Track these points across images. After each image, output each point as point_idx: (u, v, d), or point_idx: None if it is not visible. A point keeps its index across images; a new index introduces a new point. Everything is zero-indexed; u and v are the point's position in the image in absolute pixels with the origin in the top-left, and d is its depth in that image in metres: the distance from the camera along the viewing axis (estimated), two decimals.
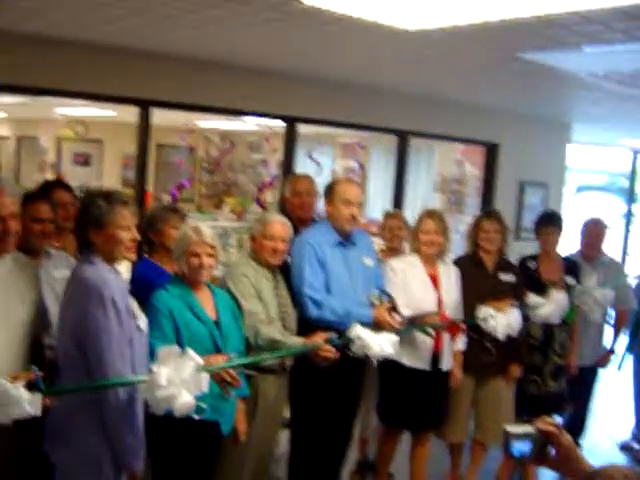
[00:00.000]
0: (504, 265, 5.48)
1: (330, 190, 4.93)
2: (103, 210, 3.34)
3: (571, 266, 5.87)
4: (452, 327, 4.99)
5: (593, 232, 6.23)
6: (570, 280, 5.76)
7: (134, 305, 3.43)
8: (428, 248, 5.07)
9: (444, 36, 4.39)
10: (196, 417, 3.55)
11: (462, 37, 4.41)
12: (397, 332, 4.56)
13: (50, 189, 4.72)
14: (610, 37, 4.11)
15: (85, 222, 3.38)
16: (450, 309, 5.05)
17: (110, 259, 3.38)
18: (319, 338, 4.28)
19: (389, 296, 4.82)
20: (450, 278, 5.17)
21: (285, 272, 4.73)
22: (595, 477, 1.74)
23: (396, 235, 5.84)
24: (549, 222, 5.86)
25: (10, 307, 3.34)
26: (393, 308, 4.78)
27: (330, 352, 4.26)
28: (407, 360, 4.98)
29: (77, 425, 3.26)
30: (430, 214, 5.20)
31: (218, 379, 3.65)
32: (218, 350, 3.86)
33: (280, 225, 4.55)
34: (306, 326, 4.60)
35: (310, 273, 4.68)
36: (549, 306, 5.38)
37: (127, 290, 3.46)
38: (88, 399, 3.22)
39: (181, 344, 3.72)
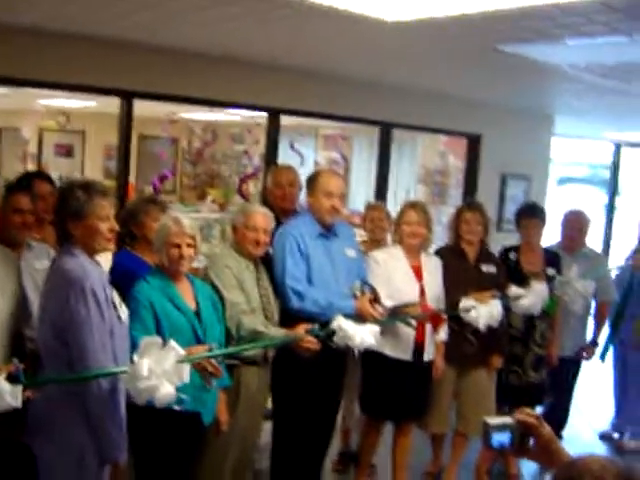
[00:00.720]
0: (485, 256, 5.50)
1: (312, 181, 4.93)
2: (82, 201, 3.33)
3: (552, 257, 5.90)
4: (434, 318, 5.02)
5: (574, 224, 6.25)
6: (551, 271, 5.79)
7: (115, 296, 3.43)
8: (411, 240, 5.09)
9: (424, 27, 4.38)
10: (177, 408, 3.55)
11: (442, 28, 4.41)
12: (379, 323, 4.57)
13: (30, 180, 4.70)
14: (591, 30, 4.12)
15: (64, 213, 3.37)
16: (432, 300, 5.07)
17: (90, 250, 3.37)
18: (301, 329, 4.29)
19: (371, 287, 4.83)
20: (432, 269, 5.19)
21: (267, 263, 4.74)
22: (573, 467, 1.75)
23: (378, 227, 5.85)
24: (530, 214, 5.88)
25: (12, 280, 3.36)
26: (375, 299, 4.79)
27: (312, 343, 4.27)
28: (389, 351, 4.99)
29: (59, 417, 3.26)
30: (413, 205, 5.22)
31: (200, 369, 3.66)
32: (199, 340, 3.87)
33: (262, 216, 4.55)
34: (288, 317, 4.61)
35: (292, 264, 4.68)
36: (530, 297, 5.40)
37: (108, 281, 3.46)
38: (70, 390, 3.22)
39: (162, 335, 3.72)
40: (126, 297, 3.72)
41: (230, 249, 4.64)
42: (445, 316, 5.10)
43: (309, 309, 4.62)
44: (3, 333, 3.38)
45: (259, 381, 4.57)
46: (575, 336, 6.26)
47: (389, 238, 5.80)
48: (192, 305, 4.00)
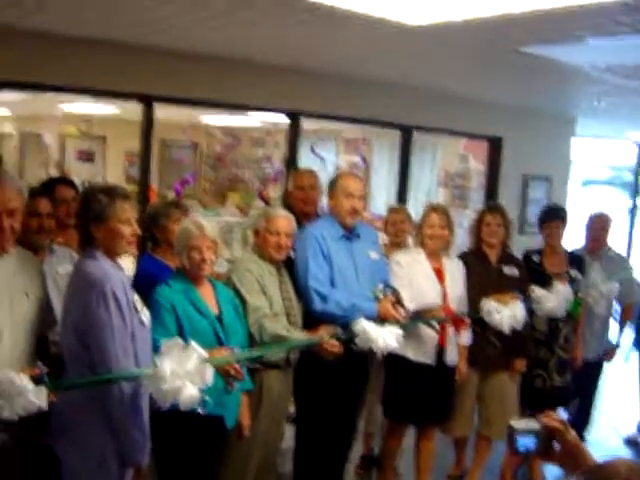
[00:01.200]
0: (507, 259, 5.48)
1: (332, 184, 4.95)
2: (104, 204, 3.35)
3: (576, 260, 5.87)
4: (456, 321, 5.00)
5: (598, 226, 6.23)
6: (574, 273, 5.77)
7: (137, 299, 3.44)
8: (433, 242, 5.08)
9: (444, 31, 4.39)
10: (200, 411, 3.56)
11: (463, 31, 4.40)
12: (402, 326, 4.56)
13: (53, 185, 4.72)
14: (613, 30, 4.10)
15: (86, 217, 3.39)
16: (454, 303, 5.06)
17: (112, 253, 3.39)
18: (324, 332, 4.28)
19: (393, 290, 4.82)
20: (455, 272, 5.18)
21: (289, 267, 4.74)
22: (600, 470, 1.73)
23: (400, 230, 5.83)
24: (553, 216, 5.86)
25: (15, 304, 3.35)
26: (397, 301, 4.77)
27: (335, 347, 4.28)
28: (412, 354, 4.99)
29: (81, 420, 3.27)
30: (435, 208, 5.21)
31: (222, 372, 3.67)
32: (221, 344, 3.88)
33: (284, 220, 4.55)
34: (311, 320, 4.61)
35: (314, 266, 4.68)
36: (553, 298, 5.38)
37: (130, 284, 3.47)
38: (92, 394, 3.23)
39: (184, 338, 3.74)
40: (148, 301, 3.74)
41: (252, 253, 4.65)
42: (467, 319, 5.08)
43: (332, 311, 4.60)
44: (28, 337, 3.39)
45: (281, 385, 4.57)
46: (598, 339, 6.23)
47: (410, 241, 5.79)
48: (214, 309, 4.01)
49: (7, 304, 3.29)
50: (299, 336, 4.35)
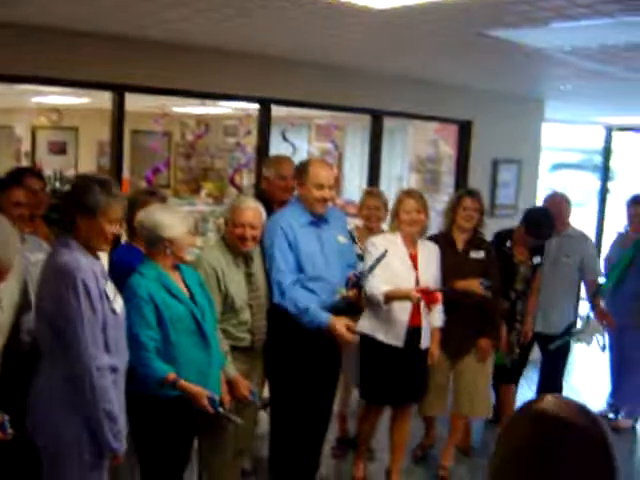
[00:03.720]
0: (477, 243, 5.57)
1: (301, 172, 4.97)
2: (98, 200, 3.38)
3: (536, 246, 6.00)
4: (430, 295, 4.98)
5: (554, 205, 6.33)
6: (537, 259, 5.95)
7: (109, 288, 3.48)
8: (410, 227, 5.10)
9: (410, 14, 4.41)
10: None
11: (427, 14, 4.43)
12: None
13: (21, 176, 4.75)
14: (574, 12, 4.15)
15: (75, 206, 3.41)
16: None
17: (88, 246, 3.43)
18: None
19: (357, 277, 4.88)
20: (428, 257, 5.22)
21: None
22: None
23: (374, 215, 5.83)
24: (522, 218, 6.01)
25: (13, 291, 3.42)
26: (359, 290, 4.89)
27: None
28: (382, 336, 5.05)
29: (55, 411, 3.34)
30: (409, 193, 5.25)
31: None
32: (199, 325, 3.96)
33: (250, 211, 4.57)
34: (276, 312, 4.78)
35: (280, 258, 4.75)
36: (588, 333, 6.11)
37: (103, 273, 3.50)
38: (65, 386, 3.30)
39: (163, 326, 3.81)
40: (126, 291, 3.80)
41: (221, 243, 4.69)
42: (439, 294, 5.08)
43: (287, 307, 4.72)
44: (8, 323, 3.45)
45: (245, 366, 4.63)
46: (560, 313, 6.38)
47: (384, 226, 5.84)
48: (185, 292, 4.06)
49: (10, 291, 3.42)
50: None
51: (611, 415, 7.01)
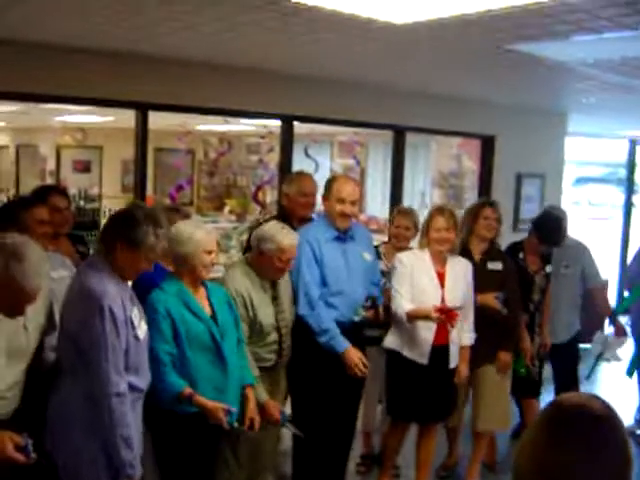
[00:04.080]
0: (495, 254, 5.55)
1: (327, 187, 5.03)
2: (146, 239, 3.39)
3: (546, 255, 6.01)
4: (447, 313, 4.90)
5: None
6: (549, 268, 5.99)
7: (135, 313, 3.48)
8: (439, 245, 5.04)
9: (431, 29, 4.42)
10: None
11: (448, 29, 4.43)
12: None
13: (46, 194, 4.78)
14: (596, 25, 4.14)
15: (121, 235, 3.42)
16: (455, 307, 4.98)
17: (118, 274, 3.43)
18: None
19: (373, 300, 4.93)
20: (457, 275, 5.13)
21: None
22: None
23: (403, 235, 5.77)
24: (532, 230, 6.02)
25: (39, 313, 3.45)
26: (376, 310, 4.95)
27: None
28: (407, 353, 5.03)
29: (76, 427, 3.36)
30: (441, 210, 5.14)
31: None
32: (217, 345, 3.95)
33: (294, 247, 4.54)
34: (300, 328, 4.79)
35: (306, 271, 4.79)
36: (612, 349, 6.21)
37: (130, 297, 3.51)
38: (87, 404, 3.32)
39: (180, 341, 3.82)
40: (145, 306, 3.81)
41: (247, 266, 4.61)
42: (459, 311, 5.04)
43: (310, 322, 4.76)
44: (33, 345, 3.47)
45: (270, 385, 4.62)
46: (567, 325, 6.39)
47: (412, 245, 5.82)
48: (207, 310, 4.05)
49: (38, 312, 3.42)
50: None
51: (638, 431, 6.93)
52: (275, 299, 4.63)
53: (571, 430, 1.74)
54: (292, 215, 5.34)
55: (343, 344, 4.75)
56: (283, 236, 4.49)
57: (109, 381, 3.27)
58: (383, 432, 5.89)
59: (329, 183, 5.05)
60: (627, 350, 6.86)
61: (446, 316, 4.84)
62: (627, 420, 7.11)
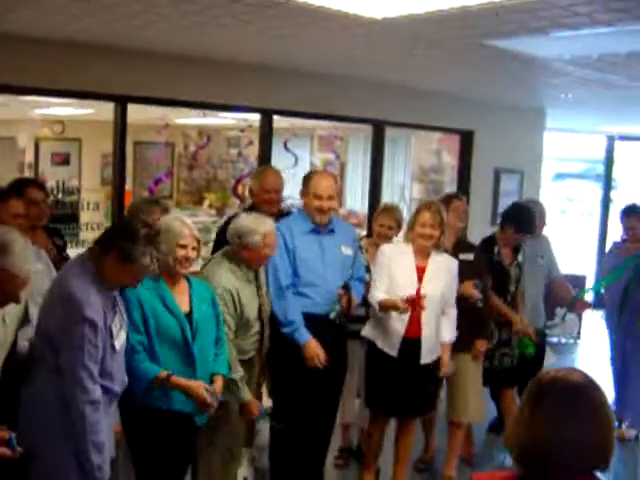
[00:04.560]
0: (464, 246, 5.63)
1: (305, 182, 5.07)
2: (142, 258, 3.37)
3: (516, 245, 6.12)
4: (413, 303, 4.91)
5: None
6: (521, 259, 6.10)
7: (116, 323, 3.48)
8: (424, 241, 5.05)
9: (410, 24, 4.44)
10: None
11: (428, 25, 4.46)
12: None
13: (23, 187, 4.75)
14: (573, 22, 4.17)
15: (118, 245, 3.40)
16: (430, 303, 4.98)
17: (102, 279, 3.42)
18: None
19: (345, 286, 4.94)
20: (439, 271, 5.12)
21: None
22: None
23: (385, 234, 5.75)
24: (503, 220, 6.11)
25: (17, 306, 3.45)
26: (348, 297, 4.96)
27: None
28: (380, 343, 5.06)
29: (49, 424, 3.38)
30: (428, 206, 5.13)
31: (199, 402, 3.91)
32: (187, 344, 3.94)
33: (274, 227, 4.61)
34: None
35: (277, 260, 4.84)
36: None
37: (112, 306, 3.49)
38: (59, 403, 3.34)
39: (149, 334, 3.81)
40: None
41: (229, 261, 4.58)
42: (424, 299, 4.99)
43: (276, 310, 4.83)
44: (10, 337, 3.46)
45: (246, 375, 4.61)
46: (539, 313, 6.55)
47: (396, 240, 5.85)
48: (185, 306, 4.02)
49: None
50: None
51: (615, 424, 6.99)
52: (259, 289, 4.67)
53: (547, 400, 1.98)
54: (258, 211, 5.30)
55: (304, 336, 4.82)
56: (261, 224, 4.52)
57: (83, 388, 3.29)
58: (361, 426, 5.92)
59: (306, 179, 5.09)
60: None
61: (411, 304, 4.86)
62: None
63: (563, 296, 6.78)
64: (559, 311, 7.00)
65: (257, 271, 4.67)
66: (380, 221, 5.83)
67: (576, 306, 6.97)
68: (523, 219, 6.00)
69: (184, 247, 3.97)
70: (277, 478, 5.15)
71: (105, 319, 3.37)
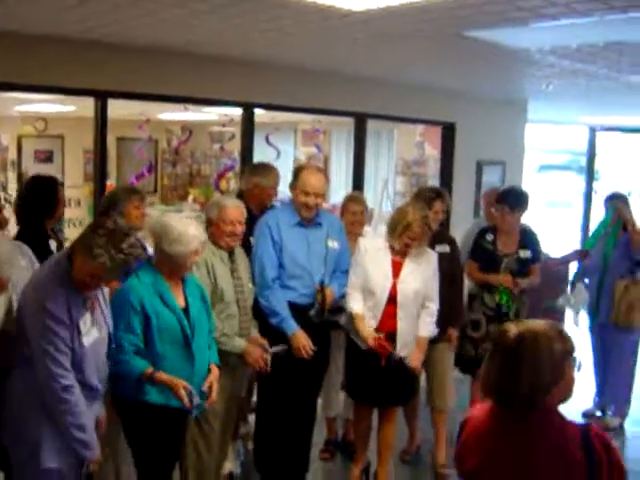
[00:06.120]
0: (440, 237, 5.67)
1: (295, 176, 5.12)
2: (95, 250, 3.31)
3: (527, 239, 6.07)
4: (382, 348, 4.99)
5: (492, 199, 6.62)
6: (524, 253, 5.97)
7: (85, 321, 3.47)
8: (405, 247, 5.05)
9: (390, 16, 4.44)
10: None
11: (406, 16, 4.46)
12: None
13: None
14: (552, 12, 4.18)
15: (80, 238, 3.41)
16: (403, 297, 5.02)
17: (73, 280, 3.40)
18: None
19: (321, 285, 4.99)
20: (418, 266, 5.11)
21: (248, 250, 4.99)
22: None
23: (358, 221, 5.79)
24: (500, 200, 6.07)
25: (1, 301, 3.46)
26: (324, 295, 5.00)
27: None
28: (353, 335, 5.11)
29: (22, 415, 3.42)
30: (416, 221, 5.00)
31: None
32: (187, 341, 3.98)
33: (235, 209, 4.65)
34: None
35: (263, 253, 4.93)
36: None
37: (83, 303, 3.48)
38: (34, 396, 3.39)
39: (150, 334, 3.83)
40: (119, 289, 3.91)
41: (207, 241, 4.68)
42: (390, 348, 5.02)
43: (263, 301, 4.91)
44: None
45: (238, 361, 4.71)
46: None
47: (368, 230, 5.86)
48: (181, 302, 4.07)
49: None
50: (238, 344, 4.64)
51: (599, 413, 7.04)
52: (233, 272, 4.69)
53: (495, 350, 2.56)
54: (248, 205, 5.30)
55: (292, 327, 4.90)
56: (222, 200, 4.74)
57: (52, 374, 3.33)
58: (346, 416, 5.94)
59: (297, 173, 5.14)
60: None
61: (379, 347, 4.94)
62: (587, 403, 7.21)
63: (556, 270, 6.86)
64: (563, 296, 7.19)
65: (231, 254, 4.71)
66: (351, 209, 5.84)
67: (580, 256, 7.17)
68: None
69: (197, 253, 4.03)
70: (263, 470, 5.17)
71: (70, 314, 3.37)
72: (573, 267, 7.50)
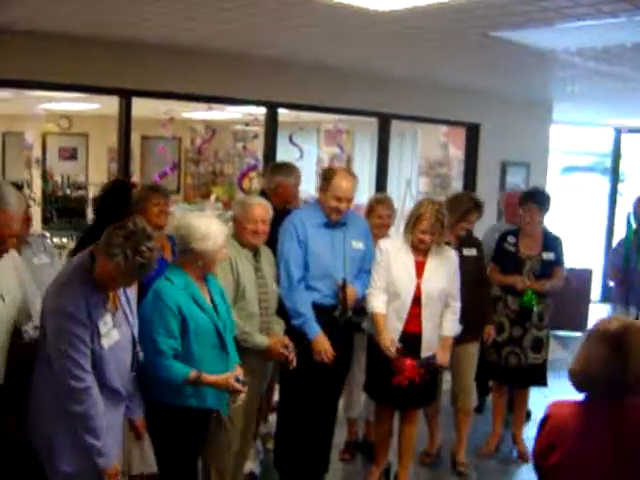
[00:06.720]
0: (468, 240, 5.61)
1: (326, 178, 5.01)
2: (113, 250, 3.28)
3: (551, 242, 5.99)
4: (399, 362, 4.94)
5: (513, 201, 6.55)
6: (547, 256, 5.89)
7: (106, 322, 3.44)
8: (422, 244, 5.01)
9: (416, 16, 4.44)
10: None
11: (432, 16, 4.46)
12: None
13: None
14: (578, 12, 4.16)
15: (102, 239, 3.37)
16: (428, 298, 4.99)
17: (95, 279, 3.38)
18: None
19: (344, 282, 4.95)
20: (439, 265, 5.08)
21: (274, 247, 4.95)
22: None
23: (385, 225, 5.70)
24: (526, 200, 5.98)
25: (10, 284, 3.43)
26: (344, 294, 4.96)
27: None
28: (374, 336, 5.07)
29: (49, 416, 3.39)
30: (430, 211, 4.97)
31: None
32: (220, 336, 3.98)
33: (259, 207, 4.64)
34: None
35: (289, 252, 4.88)
36: None
37: (103, 304, 3.44)
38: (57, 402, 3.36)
39: (187, 338, 3.84)
40: (147, 289, 3.88)
41: (232, 239, 4.67)
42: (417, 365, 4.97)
43: (287, 302, 4.87)
44: (10, 315, 3.45)
45: (258, 363, 4.70)
46: None
47: (392, 231, 5.82)
48: (209, 303, 4.05)
49: None
50: (260, 340, 4.62)
51: None
52: (257, 272, 4.68)
53: (597, 341, 2.64)
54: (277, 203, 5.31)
55: (314, 329, 4.85)
56: (247, 199, 4.76)
57: (70, 375, 3.28)
58: (367, 419, 5.92)
59: (328, 175, 5.04)
60: None
61: (397, 362, 4.91)
62: None
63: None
64: None
65: (256, 254, 4.71)
66: (379, 213, 5.75)
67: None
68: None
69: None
70: (282, 470, 5.17)
71: (90, 315, 3.33)
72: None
